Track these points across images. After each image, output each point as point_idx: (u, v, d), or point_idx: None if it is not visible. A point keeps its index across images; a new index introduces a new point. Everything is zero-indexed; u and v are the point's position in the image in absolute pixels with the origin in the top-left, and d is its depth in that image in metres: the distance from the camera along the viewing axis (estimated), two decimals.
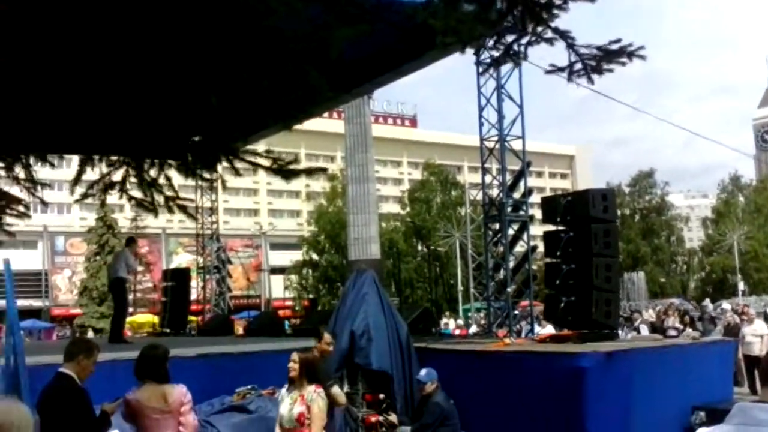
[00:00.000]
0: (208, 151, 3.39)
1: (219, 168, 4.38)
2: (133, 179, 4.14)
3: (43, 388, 5.24)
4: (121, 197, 4.38)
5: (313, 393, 5.91)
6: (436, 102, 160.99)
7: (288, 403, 5.98)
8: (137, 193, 4.39)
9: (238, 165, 3.92)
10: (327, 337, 7.61)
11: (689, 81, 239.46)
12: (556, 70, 4.18)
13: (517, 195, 11.67)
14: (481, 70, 11.08)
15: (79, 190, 4.63)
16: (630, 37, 4.28)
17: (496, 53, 7.51)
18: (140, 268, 38.44)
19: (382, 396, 8.74)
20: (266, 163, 3.77)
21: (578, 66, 4.08)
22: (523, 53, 4.32)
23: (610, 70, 4.14)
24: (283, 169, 3.72)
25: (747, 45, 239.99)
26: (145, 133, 3.56)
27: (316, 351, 7.49)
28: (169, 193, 4.16)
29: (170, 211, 4.25)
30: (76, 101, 3.67)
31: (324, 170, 6.09)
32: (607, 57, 3.97)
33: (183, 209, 4.30)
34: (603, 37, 4.25)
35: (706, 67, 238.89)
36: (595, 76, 4.13)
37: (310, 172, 3.88)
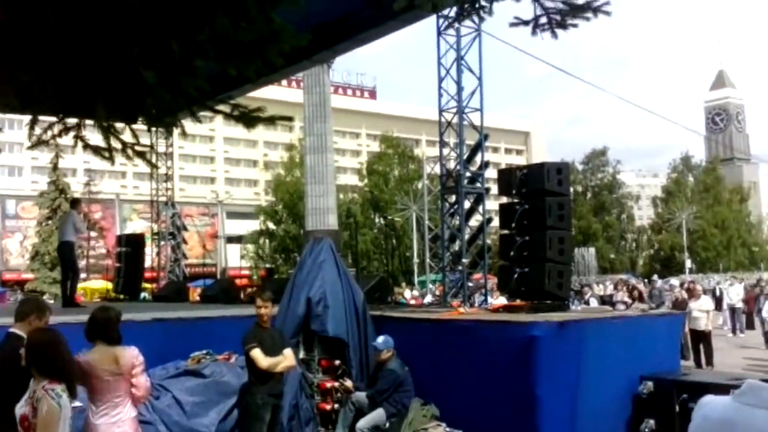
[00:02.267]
0: (167, 98, 3.32)
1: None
2: (88, 122, 4.02)
3: None
4: (76, 144, 4.24)
5: (41, 391, 4.24)
6: (396, 75, 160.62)
7: (23, 399, 4.40)
8: (93, 140, 4.27)
9: (198, 113, 3.84)
10: (258, 300, 7.57)
11: (643, 63, 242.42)
12: (520, 23, 4.19)
13: (473, 168, 11.76)
14: (442, 25, 11.03)
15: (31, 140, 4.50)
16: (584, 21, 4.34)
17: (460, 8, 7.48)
18: (91, 233, 37.82)
19: (337, 362, 8.81)
20: (227, 110, 3.69)
21: (543, 20, 4.10)
22: (488, 8, 4.31)
23: (575, 25, 4.15)
24: (246, 116, 3.65)
25: (699, 28, 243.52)
26: (99, 91, 3.48)
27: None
28: (127, 139, 4.06)
29: (128, 157, 4.13)
30: (24, 59, 3.57)
31: (289, 118, 5.85)
32: (573, 11, 3.99)
33: (141, 155, 4.19)
34: None
35: (659, 50, 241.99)
36: (559, 31, 4.15)
37: (273, 120, 3.81)
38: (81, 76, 3.52)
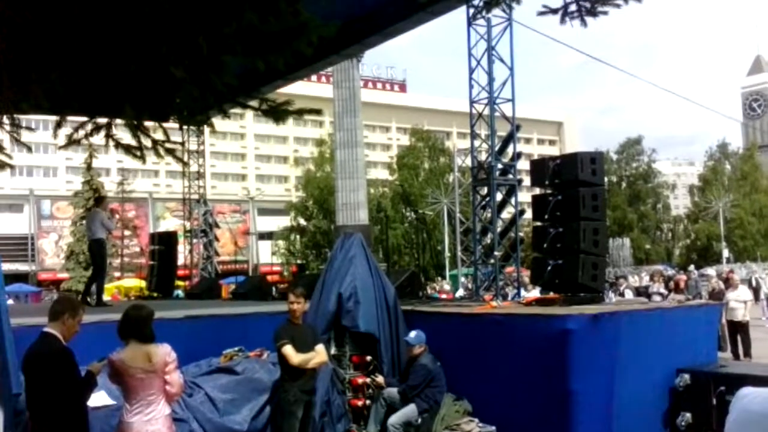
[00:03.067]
0: (196, 94, 3.30)
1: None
2: (119, 121, 4.01)
3: (27, 348, 5.20)
4: (107, 143, 4.25)
5: None
6: (427, 67, 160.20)
7: None
8: (125, 138, 4.26)
9: (227, 109, 3.82)
10: (290, 296, 7.56)
11: (677, 51, 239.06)
12: (548, 11, 4.09)
13: (505, 160, 11.65)
14: (473, 15, 10.92)
15: (62, 140, 4.53)
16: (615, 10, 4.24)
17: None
18: (125, 231, 38.19)
19: (369, 358, 8.77)
20: (255, 104, 3.68)
21: (573, 7, 4.00)
22: None
23: (605, 13, 4.06)
24: (274, 110, 3.63)
25: (735, 13, 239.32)
26: (127, 89, 3.47)
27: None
28: (158, 137, 4.05)
29: (158, 155, 4.12)
30: (52, 59, 3.57)
31: (317, 111, 5.71)
32: None
33: (171, 153, 4.18)
34: None
35: (694, 36, 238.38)
36: (589, 19, 4.05)
37: (301, 113, 3.79)
38: (109, 75, 3.51)
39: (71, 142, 4.32)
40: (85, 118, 4.07)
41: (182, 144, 18.60)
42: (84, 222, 50.00)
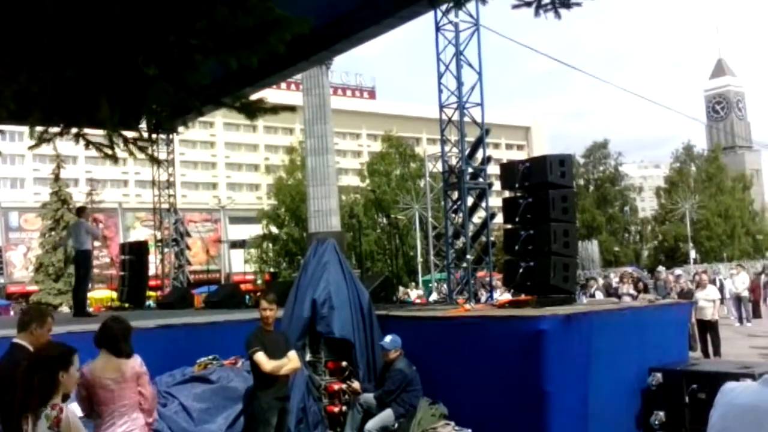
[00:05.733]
0: (168, 90, 3.26)
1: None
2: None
3: None
4: (77, 141, 4.18)
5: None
6: (396, 75, 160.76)
7: None
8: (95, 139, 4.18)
9: (201, 106, 3.79)
10: (263, 302, 7.54)
11: (642, 56, 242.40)
12: (522, 4, 4.14)
13: (476, 164, 11.70)
14: (441, 20, 10.95)
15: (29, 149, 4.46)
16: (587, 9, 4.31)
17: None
18: (95, 243, 37.68)
19: (344, 363, 8.75)
20: (229, 101, 3.67)
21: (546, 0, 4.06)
22: None
23: (578, 4, 4.10)
24: (248, 107, 3.62)
25: (697, 18, 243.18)
26: (101, 88, 3.43)
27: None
28: (130, 135, 3.99)
29: (130, 153, 4.07)
30: (22, 58, 3.52)
31: (291, 108, 5.63)
32: None
33: (144, 150, 4.13)
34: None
35: (658, 42, 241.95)
36: (563, 11, 4.10)
37: (275, 110, 3.79)
38: (81, 75, 3.47)
39: (42, 141, 4.24)
40: (56, 129, 4.01)
41: (152, 140, 18.39)
42: (53, 233, 49.39)
